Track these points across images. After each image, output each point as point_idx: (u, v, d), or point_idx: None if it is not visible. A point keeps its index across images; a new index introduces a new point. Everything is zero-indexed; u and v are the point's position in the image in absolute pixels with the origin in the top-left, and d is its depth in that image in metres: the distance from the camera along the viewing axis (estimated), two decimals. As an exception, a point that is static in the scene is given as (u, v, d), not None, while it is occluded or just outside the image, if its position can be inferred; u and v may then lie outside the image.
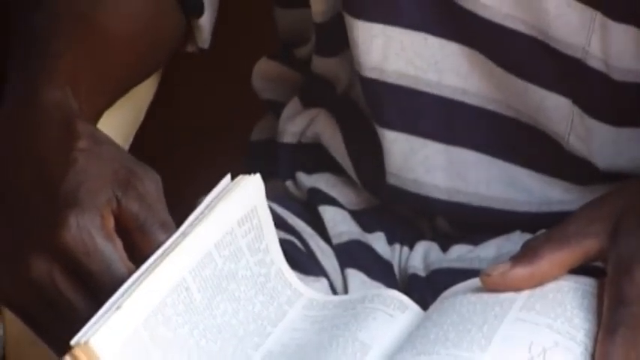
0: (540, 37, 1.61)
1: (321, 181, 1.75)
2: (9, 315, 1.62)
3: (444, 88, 1.66)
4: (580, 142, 1.62)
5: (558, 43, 1.61)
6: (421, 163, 1.66)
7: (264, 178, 1.41)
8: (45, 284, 1.28)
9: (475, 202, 1.65)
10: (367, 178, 1.72)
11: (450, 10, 1.61)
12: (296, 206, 1.75)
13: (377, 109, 1.68)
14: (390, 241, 1.69)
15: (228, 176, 1.39)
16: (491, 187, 1.66)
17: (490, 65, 1.63)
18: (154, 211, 1.35)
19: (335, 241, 1.68)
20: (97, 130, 1.46)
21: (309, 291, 1.51)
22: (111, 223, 1.31)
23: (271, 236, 1.46)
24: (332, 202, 1.73)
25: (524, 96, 1.65)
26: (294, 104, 1.81)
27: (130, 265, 1.30)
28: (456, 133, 1.67)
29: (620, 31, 1.59)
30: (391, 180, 1.66)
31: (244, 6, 1.99)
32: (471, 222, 1.68)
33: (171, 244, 1.29)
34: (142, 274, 1.24)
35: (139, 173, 1.36)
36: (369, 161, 1.70)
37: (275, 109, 1.84)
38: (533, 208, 1.65)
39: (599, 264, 1.37)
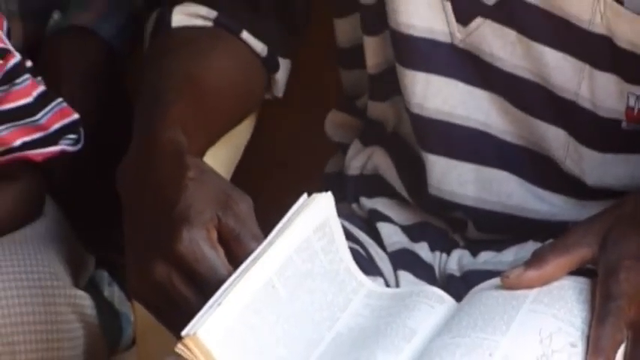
0: (543, 83, 1.63)
1: (379, 204, 1.76)
2: (138, 306, 1.60)
3: (472, 121, 1.68)
4: (574, 164, 1.64)
5: (556, 88, 1.63)
6: (455, 178, 1.68)
7: (336, 202, 1.46)
8: (165, 284, 1.34)
9: (498, 209, 1.67)
10: (414, 192, 1.73)
11: (474, 63, 1.64)
12: (360, 223, 1.75)
13: (420, 137, 1.70)
14: (432, 249, 1.70)
15: (305, 194, 1.41)
16: (511, 197, 1.67)
17: (506, 105, 1.66)
18: (246, 225, 1.39)
19: (389, 249, 1.70)
20: (202, 162, 1.51)
21: (369, 282, 1.54)
22: (214, 235, 1.36)
23: (341, 240, 1.49)
24: (387, 219, 1.74)
25: (531, 128, 1.67)
26: (356, 145, 1.83)
27: (230, 267, 1.34)
28: (481, 156, 1.68)
29: (604, 79, 1.61)
30: (432, 192, 1.67)
31: (320, 67, 1.94)
32: (495, 225, 1.68)
33: (260, 251, 1.33)
34: (238, 275, 1.28)
35: (235, 196, 1.41)
36: (415, 179, 1.71)
37: (343, 148, 1.85)
38: (541, 216, 1.66)
39: (592, 267, 1.41)
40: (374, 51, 1.73)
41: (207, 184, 1.43)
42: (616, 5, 1.56)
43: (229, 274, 1.29)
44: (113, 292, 1.85)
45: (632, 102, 1.60)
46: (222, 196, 1.41)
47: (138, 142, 1.53)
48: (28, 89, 1.74)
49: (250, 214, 1.39)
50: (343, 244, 1.48)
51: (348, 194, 1.77)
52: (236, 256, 1.33)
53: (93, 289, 1.82)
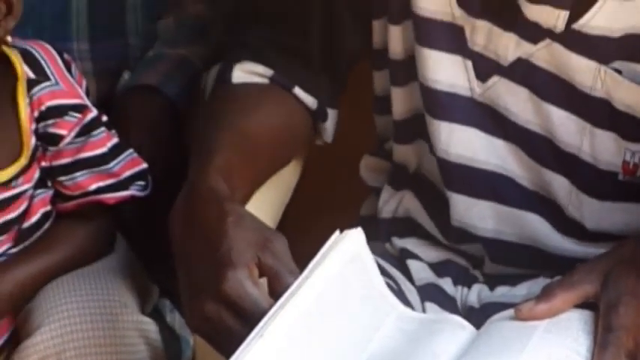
0: (550, 137, 1.66)
1: (409, 244, 1.79)
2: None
3: (490, 165, 1.71)
4: (575, 210, 1.67)
5: (561, 143, 1.66)
6: (476, 214, 1.72)
7: (370, 241, 1.50)
8: (215, 319, 1.39)
9: (514, 240, 1.70)
10: (441, 225, 1.76)
11: (492, 115, 1.67)
12: (392, 260, 1.78)
13: (445, 178, 1.73)
14: (455, 284, 1.74)
15: (338, 231, 1.45)
16: (525, 230, 1.70)
17: (520, 153, 1.68)
18: (283, 262, 1.43)
19: (417, 283, 1.74)
20: (240, 207, 1.54)
21: (401, 305, 1.55)
22: (255, 273, 1.40)
23: (373, 269, 1.52)
24: (416, 257, 1.77)
25: (540, 175, 1.69)
26: (387, 190, 1.85)
27: (271, 301, 1.37)
28: (499, 195, 1.72)
29: (603, 136, 1.64)
30: (455, 224, 1.71)
31: (357, 113, 1.93)
32: (509, 257, 1.72)
33: (297, 285, 1.36)
34: (278, 307, 1.33)
35: (271, 237, 1.45)
36: (441, 214, 1.75)
37: (376, 191, 1.88)
38: (551, 250, 1.69)
39: (594, 301, 1.46)
40: (400, 100, 1.76)
41: (246, 228, 1.46)
42: (615, 74, 1.59)
43: (271, 307, 1.32)
44: (174, 318, 1.86)
45: (627, 157, 1.63)
46: (260, 237, 1.44)
47: (185, 190, 1.56)
48: (103, 140, 1.74)
49: (286, 252, 1.43)
50: (376, 272, 1.51)
51: (382, 235, 1.79)
52: (275, 291, 1.37)
53: (157, 315, 1.82)
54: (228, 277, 1.38)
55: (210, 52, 1.94)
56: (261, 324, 1.30)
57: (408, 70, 1.73)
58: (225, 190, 1.54)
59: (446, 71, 1.68)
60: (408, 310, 1.57)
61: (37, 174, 1.71)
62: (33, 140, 1.69)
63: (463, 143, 1.70)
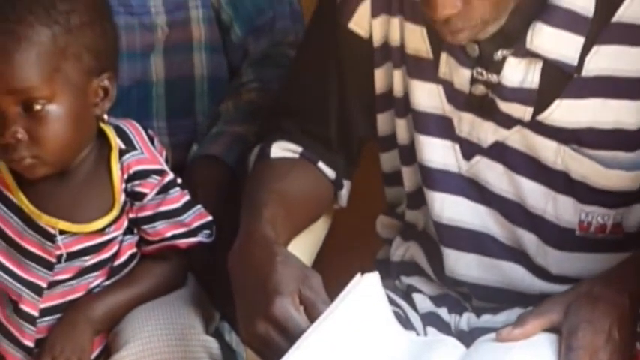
0: (521, 203, 1.71)
1: (414, 280, 1.83)
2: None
3: (474, 226, 1.75)
4: (542, 259, 1.71)
5: (530, 206, 1.71)
6: (464, 265, 1.75)
7: (383, 278, 1.59)
8: (264, 336, 1.47)
9: (494, 284, 1.74)
10: (437, 273, 1.79)
11: (475, 186, 1.72)
12: (400, 293, 1.82)
13: (439, 236, 1.76)
14: (450, 312, 1.78)
15: (359, 274, 1.52)
16: (504, 277, 1.74)
17: (497, 215, 1.73)
18: (319, 295, 1.50)
19: (420, 312, 1.78)
20: (286, 249, 1.62)
21: (406, 333, 1.65)
22: (297, 301, 1.48)
23: (385, 304, 1.58)
24: (419, 291, 1.81)
25: (514, 233, 1.73)
26: (397, 240, 1.90)
27: (309, 323, 1.45)
28: (481, 249, 1.76)
29: (564, 201, 1.68)
30: (447, 273, 1.75)
31: (372, 184, 1.95)
32: (490, 296, 1.76)
33: (328, 312, 1.45)
34: (313, 329, 1.43)
35: (310, 274, 1.53)
36: (438, 264, 1.77)
37: (388, 242, 1.92)
38: (525, 290, 1.73)
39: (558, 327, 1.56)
40: (409, 176, 1.81)
41: (290, 265, 1.54)
42: (571, 152, 1.64)
43: (308, 328, 1.43)
44: (232, 337, 1.87)
45: (582, 217, 1.68)
46: (301, 273, 1.52)
47: (241, 236, 1.64)
48: (178, 198, 1.77)
49: (321, 286, 1.52)
50: (387, 307, 1.59)
51: (392, 274, 1.84)
52: (312, 316, 1.46)
53: (218, 335, 1.83)
54: (276, 303, 1.46)
55: (259, 130, 1.94)
56: (299, 340, 1.41)
57: (413, 153, 1.78)
58: (273, 236, 1.61)
59: (438, 153, 1.73)
60: (412, 333, 1.68)
61: (125, 223, 1.75)
62: (122, 197, 1.73)
63: (452, 209, 1.75)
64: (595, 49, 1.58)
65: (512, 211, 1.71)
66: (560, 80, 1.61)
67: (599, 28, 1.58)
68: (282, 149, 1.81)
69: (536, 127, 1.64)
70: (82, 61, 1.67)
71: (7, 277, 1.73)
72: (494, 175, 1.70)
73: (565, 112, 1.62)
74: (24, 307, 1.73)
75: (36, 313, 1.73)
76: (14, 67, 1.61)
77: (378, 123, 1.82)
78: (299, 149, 1.80)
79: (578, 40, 1.58)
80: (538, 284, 1.72)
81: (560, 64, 1.60)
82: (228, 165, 1.95)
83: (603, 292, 1.56)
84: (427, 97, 1.71)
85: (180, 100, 2.08)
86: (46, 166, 1.67)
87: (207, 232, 1.80)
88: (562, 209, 1.68)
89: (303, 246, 1.83)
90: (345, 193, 1.86)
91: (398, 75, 1.74)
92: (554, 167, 1.65)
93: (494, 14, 1.53)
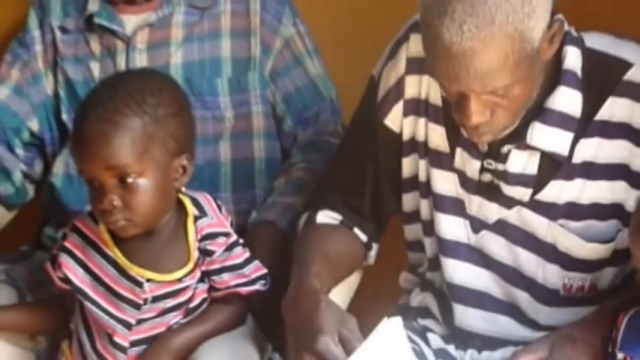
0: (517, 268, 1.71)
1: (428, 323, 1.82)
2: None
3: (479, 286, 1.74)
4: (533, 313, 1.72)
5: (525, 271, 1.71)
6: (469, 318, 1.75)
7: (404, 320, 1.62)
8: None
9: (493, 334, 1.74)
10: (447, 322, 1.78)
11: (481, 255, 1.71)
12: (417, 332, 1.80)
13: (451, 294, 1.76)
14: (457, 349, 1.78)
15: (385, 318, 1.55)
16: (501, 327, 1.75)
17: (498, 279, 1.73)
18: (354, 334, 1.53)
19: (433, 347, 1.78)
20: (328, 297, 1.65)
21: None
22: (336, 339, 1.51)
23: (406, 342, 1.59)
24: (432, 331, 1.80)
25: (511, 292, 1.74)
26: (417, 291, 1.89)
27: (345, 356, 1.50)
28: (484, 305, 1.75)
29: (552, 268, 1.69)
30: (456, 324, 1.76)
31: (394, 246, 1.93)
32: (491, 342, 1.76)
33: (362, 348, 1.49)
34: None
35: (347, 318, 1.57)
36: (448, 315, 1.77)
37: (408, 291, 1.90)
38: (518, 338, 1.73)
39: None
40: (430, 246, 1.80)
41: (331, 310, 1.58)
42: (558, 227, 1.66)
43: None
44: None
45: (566, 281, 1.70)
46: (340, 316, 1.57)
47: (292, 286, 1.66)
48: (240, 254, 1.78)
49: (356, 327, 1.55)
50: (407, 344, 1.61)
51: (411, 317, 1.82)
52: (348, 351, 1.50)
53: None
54: (319, 340, 1.51)
55: (306, 201, 1.94)
56: None
57: (432, 226, 1.77)
58: (318, 287, 1.63)
59: (452, 227, 1.74)
60: None
61: (198, 274, 1.75)
62: (196, 253, 1.74)
63: (462, 273, 1.75)
64: (582, 141, 1.60)
65: (510, 274, 1.72)
66: (554, 166, 1.62)
67: (585, 126, 1.60)
68: (325, 217, 1.82)
69: (533, 205, 1.65)
70: (166, 145, 1.68)
71: (103, 315, 1.74)
72: (496, 246, 1.71)
73: (556, 191, 1.64)
74: (117, 339, 1.74)
75: (127, 345, 1.74)
76: (112, 149, 1.63)
77: (404, 201, 1.81)
78: (339, 217, 1.81)
79: (569, 136, 1.60)
80: (529, 334, 1.72)
81: (555, 154, 1.61)
82: (281, 228, 1.95)
83: (581, 335, 1.60)
84: (445, 183, 1.72)
85: (243, 177, 2.09)
86: (135, 227, 1.68)
87: (263, 281, 1.80)
88: (550, 274, 1.70)
89: (341, 295, 1.84)
90: (373, 253, 1.86)
91: (422, 164, 1.75)
92: (545, 240, 1.67)
93: (513, 121, 1.56)
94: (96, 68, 2.06)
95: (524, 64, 1.48)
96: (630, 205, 1.63)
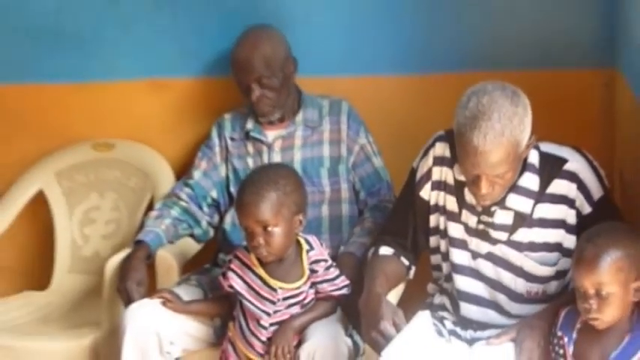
0: (500, 281, 1.66)
1: (444, 314, 1.76)
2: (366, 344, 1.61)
3: (476, 292, 1.70)
4: (509, 308, 1.69)
5: (504, 283, 1.66)
6: (470, 310, 1.71)
7: (430, 312, 1.66)
8: (375, 339, 1.52)
9: (485, 321, 1.70)
10: (456, 313, 1.73)
11: (478, 273, 1.68)
12: (438, 319, 1.73)
13: (458, 296, 1.71)
14: (462, 329, 1.72)
15: (419, 311, 1.57)
16: (489, 317, 1.71)
17: (488, 288, 1.69)
18: (401, 320, 1.52)
19: (447, 328, 1.72)
20: (386, 298, 1.62)
21: (441, 340, 1.61)
22: (391, 323, 1.52)
23: (431, 326, 1.58)
24: (447, 319, 1.75)
25: (496, 296, 1.68)
26: (437, 295, 1.82)
27: (396, 333, 1.49)
28: (478, 303, 1.71)
29: (520, 281, 1.63)
30: (461, 314, 1.72)
31: (425, 267, 1.86)
32: (482, 324, 1.71)
33: (405, 330, 1.48)
34: (398, 337, 1.46)
35: (397, 310, 1.56)
36: (457, 309, 1.72)
37: (432, 296, 1.83)
38: (500, 324, 1.68)
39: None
40: (446, 267, 1.75)
41: (388, 306, 1.57)
42: (524, 257, 1.63)
43: (395, 336, 1.49)
44: (358, 338, 1.83)
45: (529, 289, 1.67)
46: (393, 310, 1.56)
47: (365, 292, 1.64)
48: (333, 272, 1.79)
49: (402, 317, 1.54)
50: (432, 327, 1.61)
51: (434, 310, 1.77)
52: (398, 331, 1.50)
53: (351, 337, 1.82)
54: (381, 323, 1.52)
55: (373, 241, 1.87)
56: (392, 341, 1.49)
57: (448, 256, 1.73)
58: (380, 292, 1.62)
59: (460, 257, 1.70)
60: (443, 339, 1.67)
61: (309, 284, 1.77)
62: (307, 272, 1.76)
63: (466, 284, 1.71)
64: (538, 205, 1.60)
65: (495, 285, 1.68)
66: (521, 220, 1.60)
67: (540, 196, 1.59)
68: (384, 250, 1.78)
69: (509, 243, 1.64)
70: (290, 208, 1.69)
71: (253, 308, 1.75)
72: (486, 268, 1.68)
73: (522, 235, 1.62)
74: (262, 322, 1.76)
75: (267, 325, 1.76)
76: (259, 211, 1.65)
77: (430, 241, 1.77)
78: (392, 251, 1.78)
79: (530, 202, 1.60)
80: (506, 321, 1.68)
81: (522, 213, 1.60)
82: (358, 257, 1.92)
83: (537, 322, 1.59)
84: (455, 230, 1.69)
85: (335, 226, 2.07)
86: (272, 256, 1.70)
87: (347, 289, 1.80)
88: (519, 285, 1.66)
89: (393, 297, 1.80)
90: (412, 272, 1.82)
91: (442, 219, 1.71)
92: (516, 264, 1.65)
93: (503, 193, 1.57)
94: (250, 162, 2.07)
95: (516, 159, 1.50)
96: (567, 244, 1.62)
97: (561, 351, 1.51)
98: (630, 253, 1.41)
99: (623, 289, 1.41)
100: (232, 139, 2.09)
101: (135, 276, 1.81)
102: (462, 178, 1.58)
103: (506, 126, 1.44)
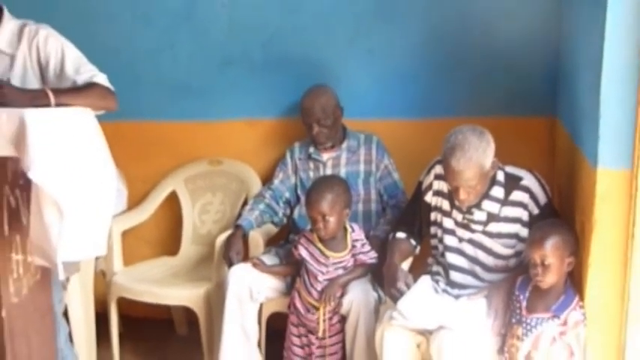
0: (477, 258, 1.63)
1: (439, 278, 1.73)
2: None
3: (461, 264, 1.64)
4: (483, 275, 1.68)
5: (480, 260, 1.64)
6: (456, 276, 1.69)
7: (430, 277, 1.63)
8: (393, 293, 1.53)
9: (466, 284, 1.67)
10: (447, 278, 1.65)
11: (462, 252, 1.61)
12: (434, 281, 1.71)
13: (449, 267, 1.65)
14: (451, 288, 1.68)
15: (423, 275, 1.60)
16: (469, 282, 1.64)
17: (469, 262, 1.62)
18: (411, 281, 1.54)
19: (441, 287, 1.68)
20: (401, 267, 1.66)
21: (437, 296, 1.59)
22: (404, 283, 1.56)
23: (431, 286, 1.58)
24: (441, 282, 1.70)
25: (474, 267, 1.64)
26: (434, 266, 1.74)
27: (407, 291, 1.51)
28: (462, 271, 1.64)
29: (491, 259, 1.62)
30: (450, 279, 1.67)
31: (426, 247, 1.80)
32: (465, 286, 1.68)
33: (413, 288, 1.49)
34: (409, 293, 1.47)
35: (408, 275, 1.56)
36: (447, 275, 1.69)
37: (431, 265, 1.77)
38: (476, 286, 1.66)
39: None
40: (441, 248, 1.71)
41: (402, 272, 1.62)
42: (493, 241, 1.62)
43: (408, 292, 1.51)
44: (381, 293, 1.80)
45: (496, 263, 1.65)
46: (406, 274, 1.61)
47: (386, 262, 1.69)
48: (366, 247, 1.82)
49: (411, 278, 1.59)
50: (431, 287, 1.61)
51: (432, 275, 1.75)
52: (409, 288, 1.53)
53: (376, 291, 1.81)
54: (397, 283, 1.58)
55: (391, 228, 1.86)
56: (405, 295, 1.53)
57: (442, 240, 1.70)
58: (397, 263, 1.68)
59: (450, 241, 1.69)
60: (439, 296, 1.66)
61: (350, 255, 1.81)
62: (349, 246, 1.80)
63: (454, 259, 1.70)
64: (503, 208, 1.62)
65: (474, 260, 1.68)
66: (492, 217, 1.63)
67: (504, 202, 1.62)
68: (399, 235, 1.80)
69: (484, 232, 1.65)
70: (341, 205, 1.76)
71: (314, 270, 1.81)
72: (468, 249, 1.68)
73: (493, 227, 1.63)
74: (319, 278, 1.80)
75: (321, 280, 1.80)
76: (321, 206, 1.73)
77: (431, 230, 1.76)
78: (405, 235, 1.80)
79: (498, 205, 1.63)
80: (481, 284, 1.68)
81: (492, 213, 1.63)
82: (382, 239, 1.93)
83: (501, 285, 1.61)
84: (448, 223, 1.70)
85: (366, 218, 2.06)
86: (328, 235, 1.75)
87: (375, 259, 1.84)
88: (490, 261, 1.67)
89: (405, 266, 1.82)
90: (418, 250, 1.82)
91: (439, 215, 1.72)
92: (488, 246, 1.66)
93: (476, 198, 1.60)
94: (311, 174, 2.09)
95: (482, 176, 1.54)
96: (522, 234, 1.63)
97: (518, 304, 1.53)
98: (564, 238, 1.47)
99: (559, 261, 1.46)
100: (300, 159, 2.11)
101: (235, 248, 1.89)
102: None
103: (474, 154, 1.48)
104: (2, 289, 1.05)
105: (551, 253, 1.43)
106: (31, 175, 0.98)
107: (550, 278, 1.45)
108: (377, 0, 1.99)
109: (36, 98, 1.16)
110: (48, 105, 1.17)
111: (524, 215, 1.59)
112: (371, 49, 2.05)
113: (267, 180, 2.16)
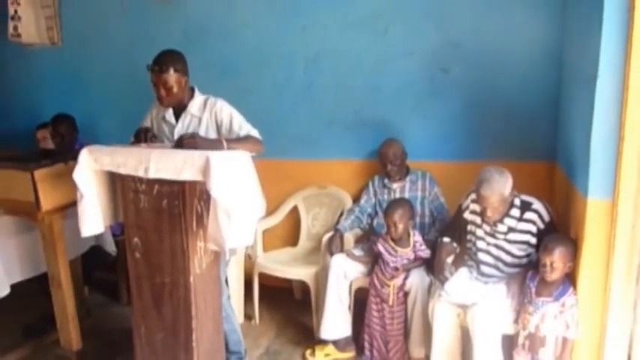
0: (499, 257, 1.61)
1: (472, 270, 1.72)
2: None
3: (488, 261, 1.60)
4: (504, 270, 1.62)
5: (502, 259, 1.62)
6: (485, 270, 1.61)
7: (467, 269, 1.62)
8: (440, 279, 1.54)
9: (492, 274, 1.63)
10: (478, 270, 1.63)
11: (488, 252, 1.58)
12: (469, 272, 1.71)
13: (480, 262, 1.61)
14: (481, 276, 1.71)
15: (462, 267, 1.52)
16: (494, 274, 1.65)
17: (493, 259, 1.59)
18: (453, 272, 1.52)
19: (475, 276, 1.68)
20: (447, 261, 1.63)
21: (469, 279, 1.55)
22: (449, 273, 1.57)
23: (468, 276, 1.54)
24: (473, 273, 1.71)
25: (497, 264, 1.63)
26: (469, 261, 1.73)
27: (449, 279, 1.51)
28: (489, 266, 1.62)
29: (509, 258, 1.61)
30: (480, 271, 1.60)
31: (462, 248, 1.78)
32: (491, 276, 1.66)
33: (455, 275, 1.43)
34: (452, 278, 1.40)
35: (451, 265, 1.53)
36: (478, 268, 1.65)
37: (467, 261, 1.75)
38: (500, 277, 1.65)
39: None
40: (474, 249, 1.69)
41: (447, 264, 1.59)
42: (511, 246, 1.60)
43: (451, 278, 1.50)
44: (432, 278, 1.79)
45: (513, 261, 1.63)
46: (449, 266, 1.56)
47: (436, 258, 1.71)
48: (423, 246, 1.81)
49: (453, 269, 1.52)
50: (468, 276, 1.56)
51: (468, 268, 1.74)
52: (451, 275, 1.51)
53: (430, 277, 1.76)
54: (443, 272, 1.58)
55: (439, 235, 1.81)
56: (449, 279, 1.51)
57: (476, 244, 1.66)
58: (444, 258, 1.66)
59: (481, 245, 1.67)
60: (472, 281, 1.65)
61: (412, 251, 1.84)
62: (412, 245, 1.81)
63: (483, 257, 1.69)
64: (519, 223, 1.62)
65: (497, 259, 1.69)
66: (511, 229, 1.62)
67: (520, 219, 1.61)
68: (445, 239, 1.81)
69: (505, 240, 1.68)
70: (407, 217, 1.73)
71: (387, 258, 1.76)
72: (494, 250, 1.69)
73: (512, 236, 1.67)
74: (390, 264, 1.80)
75: (392, 266, 1.78)
76: (395, 218, 1.67)
77: (467, 236, 1.77)
78: (449, 240, 1.81)
79: (515, 221, 1.61)
80: (502, 275, 1.68)
81: (511, 227, 1.64)
82: (433, 241, 1.92)
83: (517, 276, 1.64)
84: (479, 232, 1.73)
85: (422, 227, 2.05)
86: (397, 236, 1.72)
87: (428, 254, 1.86)
88: (509, 260, 1.68)
89: (449, 260, 1.82)
90: (457, 250, 1.82)
91: (473, 227, 1.74)
92: (507, 249, 1.68)
93: (500, 216, 1.61)
94: (386, 197, 2.08)
95: (503, 201, 1.58)
96: (532, 242, 1.65)
97: (528, 290, 1.58)
98: (568, 249, 1.51)
99: (563, 265, 1.52)
100: (378, 187, 2.13)
101: (335, 244, 1.98)
102: None
103: (497, 185, 1.54)
104: (191, 264, 1.19)
105: (557, 259, 1.48)
106: (212, 193, 1.13)
107: (554, 276, 1.50)
108: (431, 83, 2.07)
109: (215, 144, 1.31)
110: (222, 149, 1.32)
111: (534, 229, 1.64)
112: (425, 115, 2.12)
113: (356, 200, 2.19)
